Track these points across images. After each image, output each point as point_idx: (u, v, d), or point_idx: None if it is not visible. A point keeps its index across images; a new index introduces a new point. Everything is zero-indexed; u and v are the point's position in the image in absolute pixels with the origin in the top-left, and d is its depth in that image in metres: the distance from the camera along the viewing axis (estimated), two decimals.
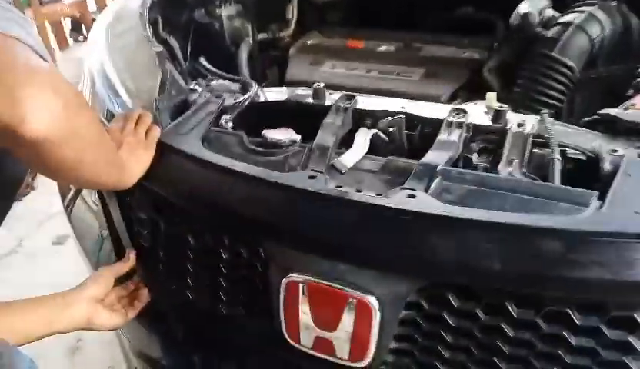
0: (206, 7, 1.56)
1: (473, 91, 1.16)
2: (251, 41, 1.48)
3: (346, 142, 0.93)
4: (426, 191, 0.75)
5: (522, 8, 1.04)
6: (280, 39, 1.57)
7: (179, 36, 1.49)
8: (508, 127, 0.84)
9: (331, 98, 1.00)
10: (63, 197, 1.32)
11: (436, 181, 0.76)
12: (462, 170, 0.78)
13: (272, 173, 0.82)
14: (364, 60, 1.30)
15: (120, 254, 1.03)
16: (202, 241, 0.87)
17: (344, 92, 0.99)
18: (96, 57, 1.24)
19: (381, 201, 0.73)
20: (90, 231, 1.22)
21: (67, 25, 5.48)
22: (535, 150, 0.81)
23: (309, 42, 1.47)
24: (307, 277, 0.74)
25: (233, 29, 1.53)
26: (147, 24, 1.27)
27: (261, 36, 1.55)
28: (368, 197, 0.74)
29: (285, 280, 0.75)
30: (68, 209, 1.32)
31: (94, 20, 4.81)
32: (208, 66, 1.21)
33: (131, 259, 0.94)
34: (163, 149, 0.92)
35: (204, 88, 1.13)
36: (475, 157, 0.84)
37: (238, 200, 0.83)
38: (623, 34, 1.08)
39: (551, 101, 1.01)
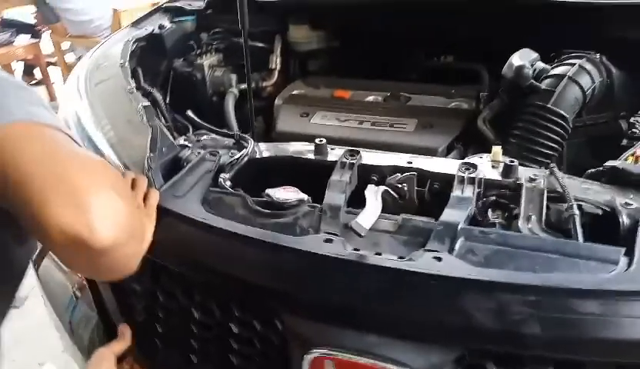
0: (185, 56, 1.53)
1: (467, 141, 1.17)
2: (236, 92, 1.45)
3: (352, 200, 0.90)
4: (450, 252, 0.73)
5: (516, 61, 1.06)
6: (263, 89, 1.55)
7: (158, 87, 1.45)
8: (520, 182, 0.84)
9: (334, 153, 0.98)
10: None
11: (459, 241, 0.74)
12: (485, 229, 0.76)
13: (285, 237, 0.77)
14: (353, 111, 1.29)
15: (110, 330, 0.94)
16: (209, 314, 0.80)
17: (347, 148, 0.97)
18: (73, 106, 1.17)
19: (408, 266, 0.70)
20: (61, 291, 1.12)
21: (19, 69, 5.28)
22: (551, 205, 0.80)
23: (295, 92, 1.45)
24: (334, 352, 0.69)
25: (215, 79, 1.50)
26: (129, 76, 1.21)
27: (243, 86, 1.52)
28: (394, 261, 0.71)
29: (308, 356, 0.70)
30: (35, 265, 1.20)
31: (48, 63, 4.67)
32: (197, 120, 1.16)
33: (127, 337, 0.85)
34: (160, 213, 0.86)
35: (194, 143, 1.08)
36: (489, 215, 0.83)
37: (249, 267, 0.78)
38: (607, 85, 1.12)
39: (548, 152, 1.02)
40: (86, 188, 0.49)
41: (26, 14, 4.92)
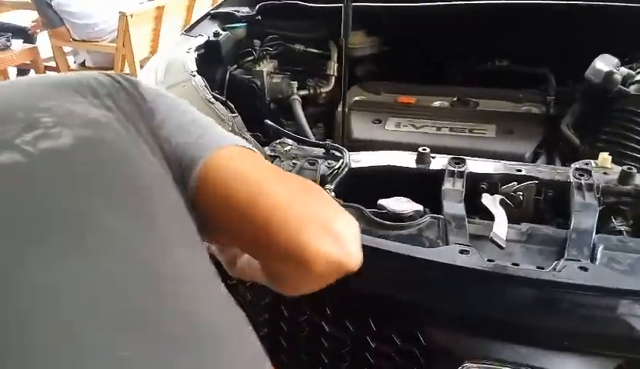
0: (240, 64, 1.51)
1: (548, 147, 1.18)
2: (299, 98, 1.43)
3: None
4: (592, 261, 0.73)
5: (602, 67, 1.08)
6: (320, 95, 1.54)
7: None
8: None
9: (435, 162, 0.97)
10: None
11: (600, 250, 0.75)
12: (622, 237, 0.76)
13: (421, 249, 0.77)
14: (424, 117, 1.29)
15: None
16: (342, 328, 0.79)
17: (450, 156, 0.97)
18: None
19: (557, 276, 0.70)
20: None
21: (12, 73, 5.15)
22: None
23: (357, 98, 1.45)
24: (489, 365, 0.69)
25: (274, 86, 1.48)
26: (205, 85, 1.19)
27: (302, 93, 1.51)
28: (540, 272, 0.71)
29: None
30: None
31: (47, 67, 4.56)
32: (283, 130, 1.14)
33: None
34: None
35: (283, 154, 1.06)
36: (615, 222, 0.84)
37: (385, 281, 0.77)
38: None
39: (638, 155, 1.04)
40: (331, 215, 0.48)
41: (20, 18, 4.81)
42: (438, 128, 1.23)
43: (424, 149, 0.97)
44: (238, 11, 1.63)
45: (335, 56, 1.55)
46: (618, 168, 0.90)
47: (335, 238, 0.47)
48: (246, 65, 1.50)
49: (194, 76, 1.22)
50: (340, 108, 1.41)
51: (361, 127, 1.28)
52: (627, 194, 0.85)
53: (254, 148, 0.53)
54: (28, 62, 4.87)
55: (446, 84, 1.51)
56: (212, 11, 1.63)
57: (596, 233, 0.81)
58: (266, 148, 1.09)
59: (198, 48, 1.40)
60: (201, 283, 0.40)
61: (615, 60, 1.12)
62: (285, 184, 0.49)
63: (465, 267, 0.73)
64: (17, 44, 4.20)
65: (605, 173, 0.90)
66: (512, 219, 0.89)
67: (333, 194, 0.95)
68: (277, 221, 0.46)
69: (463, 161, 0.94)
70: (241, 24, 1.57)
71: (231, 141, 0.50)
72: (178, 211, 0.42)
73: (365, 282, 0.77)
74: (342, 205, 0.89)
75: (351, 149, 1.28)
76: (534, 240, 0.80)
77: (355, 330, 0.79)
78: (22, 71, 5.28)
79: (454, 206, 0.85)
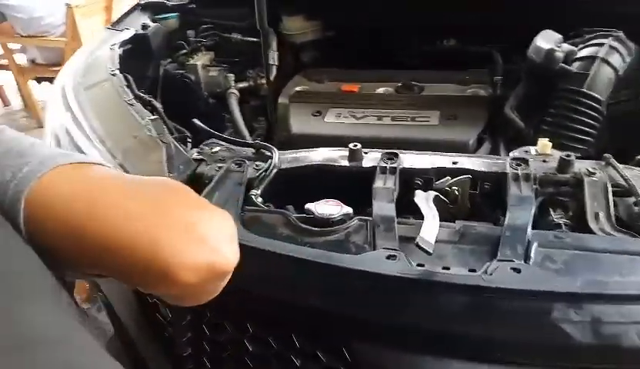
0: (173, 57, 1.41)
1: (492, 132, 1.13)
2: (237, 92, 1.35)
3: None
4: (527, 261, 0.68)
5: (543, 44, 1.02)
6: (260, 87, 1.46)
7: (147, 92, 1.33)
8: (579, 177, 0.80)
9: (369, 157, 0.91)
10: None
11: (534, 248, 0.69)
12: (558, 233, 0.71)
13: (344, 256, 0.70)
14: (367, 105, 1.22)
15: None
16: (265, 345, 0.73)
17: (383, 150, 0.90)
18: (62, 119, 1.05)
19: (488, 281, 0.64)
20: None
21: None
22: (617, 200, 0.76)
23: (298, 89, 1.37)
24: None
25: (210, 79, 1.40)
26: (125, 86, 1.10)
27: (240, 85, 1.42)
28: (469, 277, 0.66)
29: None
30: None
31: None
32: (209, 129, 1.06)
33: None
34: None
35: (209, 156, 0.98)
36: (553, 215, 0.79)
37: (308, 293, 0.71)
38: (629, 63, 1.09)
39: (584, 137, 0.99)
40: (195, 218, 0.42)
41: None
42: (380, 118, 1.17)
43: (355, 145, 0.90)
44: (170, 1, 1.53)
45: (274, 44, 1.46)
46: (559, 154, 0.85)
47: (200, 242, 0.41)
48: (180, 59, 1.41)
49: (114, 75, 1.13)
50: (281, 100, 1.35)
51: (300, 121, 1.21)
52: (565, 184, 0.80)
53: (92, 161, 0.44)
54: None
55: (395, 69, 1.44)
56: (142, 2, 1.52)
57: (535, 228, 0.76)
58: (193, 151, 1.01)
59: (124, 43, 1.30)
60: None
61: (557, 36, 1.06)
62: (133, 193, 0.42)
63: (389, 274, 0.67)
64: None
65: (545, 161, 0.85)
66: (449, 216, 0.84)
67: (260, 199, 0.88)
68: (123, 241, 0.39)
69: (396, 156, 0.88)
70: (172, 14, 1.47)
71: (54, 163, 0.41)
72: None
73: (286, 295, 0.72)
74: (265, 211, 0.83)
75: (291, 145, 1.22)
76: (467, 239, 0.74)
77: (279, 348, 0.73)
78: None
79: (383, 206, 0.79)
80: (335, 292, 0.70)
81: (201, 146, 1.04)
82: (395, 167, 0.86)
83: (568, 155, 0.81)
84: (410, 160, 0.88)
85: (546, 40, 1.04)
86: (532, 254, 0.69)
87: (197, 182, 0.92)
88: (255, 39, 1.49)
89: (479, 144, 1.08)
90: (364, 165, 0.89)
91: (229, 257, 0.44)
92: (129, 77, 1.23)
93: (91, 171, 0.43)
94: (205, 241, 0.42)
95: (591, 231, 0.72)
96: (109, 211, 0.40)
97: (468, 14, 1.33)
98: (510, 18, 1.28)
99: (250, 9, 1.48)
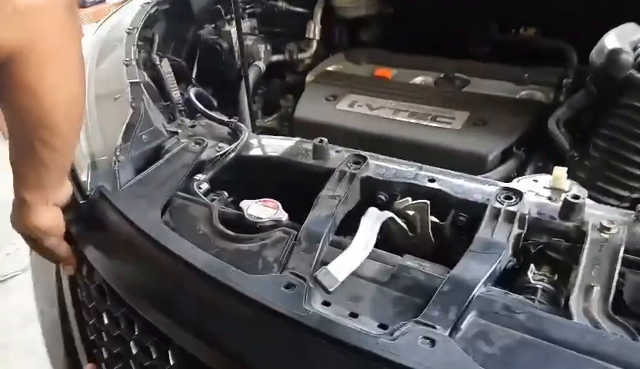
0: (215, 22, 1.35)
1: (533, 147, 0.88)
2: (263, 65, 1.25)
3: (351, 220, 0.68)
4: (452, 332, 0.49)
5: (609, 43, 0.75)
6: (299, 62, 1.34)
7: (184, 57, 1.29)
8: (585, 229, 0.56)
9: (337, 157, 0.75)
10: None
11: (470, 316, 0.50)
12: (512, 303, 0.51)
13: (237, 273, 0.58)
14: (393, 95, 1.04)
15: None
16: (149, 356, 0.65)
17: (352, 151, 0.74)
18: None
19: (384, 347, 0.48)
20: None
21: None
22: (630, 274, 0.52)
23: (330, 68, 1.23)
24: None
25: (245, 48, 1.31)
26: (134, 46, 1.06)
27: (275, 58, 1.32)
28: (366, 336, 0.50)
29: None
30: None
31: None
32: (194, 101, 0.99)
33: None
34: (115, 217, 0.71)
35: (184, 130, 0.91)
36: (531, 274, 0.57)
37: (180, 305, 0.61)
38: None
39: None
40: None
41: None
42: (396, 112, 0.98)
43: (320, 140, 0.75)
44: None
45: (318, 17, 1.32)
46: (581, 192, 0.62)
47: None
48: (220, 25, 1.34)
49: (128, 33, 1.10)
50: (307, 78, 1.22)
51: (307, 105, 1.07)
52: (563, 235, 0.58)
53: None
54: None
55: (455, 57, 1.22)
56: None
57: (502, 285, 0.56)
58: (172, 124, 0.94)
59: (160, 3, 1.26)
60: None
61: (638, 34, 0.78)
62: None
63: (269, 308, 0.53)
64: None
65: (551, 198, 0.62)
66: (406, 247, 0.66)
67: (205, 185, 0.79)
68: None
69: (364, 160, 0.71)
70: None
71: None
72: None
73: (157, 298, 0.62)
74: (193, 201, 0.73)
75: (291, 129, 1.10)
76: (397, 284, 0.57)
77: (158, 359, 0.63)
78: None
79: (318, 219, 0.64)
80: (206, 313, 0.59)
81: (181, 119, 0.97)
82: (355, 174, 0.69)
83: (577, 196, 0.58)
84: (380, 167, 0.71)
85: (619, 37, 0.76)
86: (464, 325, 0.50)
87: (156, 155, 0.85)
88: (301, 9, 1.38)
89: (504, 161, 0.85)
90: (326, 165, 0.74)
91: None
92: (155, 37, 1.20)
93: None
94: None
95: (567, 311, 0.50)
96: None
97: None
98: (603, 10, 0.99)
99: None
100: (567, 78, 0.98)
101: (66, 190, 0.71)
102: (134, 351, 0.67)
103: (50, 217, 0.69)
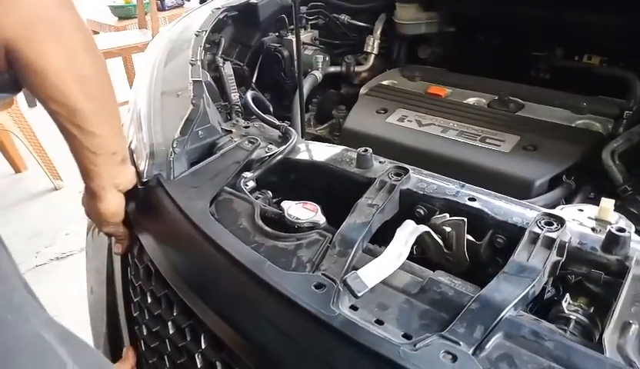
0: (279, 31, 1.40)
1: (583, 178, 0.86)
2: (320, 75, 1.28)
3: (388, 230, 0.69)
4: (476, 351, 0.49)
5: None
6: (355, 74, 1.36)
7: (247, 62, 1.35)
8: (628, 264, 0.55)
9: (380, 167, 0.77)
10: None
11: (496, 337, 0.50)
12: (541, 330, 0.50)
13: (270, 268, 0.61)
14: (443, 113, 1.04)
15: (116, 348, 0.88)
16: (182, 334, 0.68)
17: (395, 163, 0.75)
18: (139, 80, 1.13)
19: (405, 356, 0.48)
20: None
21: None
22: None
23: (384, 82, 1.24)
24: None
25: (303, 58, 1.35)
26: (201, 48, 1.13)
27: (332, 69, 1.35)
28: (388, 345, 0.50)
29: None
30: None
31: None
32: (251, 104, 1.03)
33: (130, 362, 0.77)
34: (167, 204, 0.76)
35: (238, 130, 0.95)
36: (565, 303, 0.56)
37: (221, 294, 0.63)
38: None
39: None
40: None
41: None
42: (445, 130, 0.98)
43: (365, 150, 0.77)
44: None
45: (378, 32, 1.34)
46: (628, 225, 0.60)
47: None
48: (283, 33, 1.39)
49: (197, 35, 1.17)
50: (361, 91, 1.24)
51: (357, 116, 1.09)
52: (604, 268, 0.56)
53: None
54: None
55: (513, 80, 1.20)
56: None
57: (535, 312, 0.55)
58: (228, 123, 0.99)
59: (230, 9, 1.33)
60: None
61: None
62: None
63: (298, 305, 0.55)
64: None
65: (595, 229, 0.60)
66: (441, 262, 0.66)
67: (252, 183, 0.82)
68: None
69: (406, 172, 0.72)
70: None
71: None
72: None
73: (207, 292, 0.65)
74: (239, 197, 0.76)
75: (341, 139, 1.12)
76: (426, 297, 0.57)
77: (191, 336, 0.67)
78: None
79: (354, 226, 0.65)
80: (240, 306, 0.61)
81: (237, 119, 1.02)
82: (395, 185, 0.70)
83: (623, 229, 0.56)
84: (420, 182, 0.72)
85: None
86: (489, 346, 0.50)
87: (210, 151, 0.90)
88: (362, 23, 1.40)
89: (552, 188, 0.83)
90: (368, 174, 0.76)
91: None
92: (222, 40, 1.27)
93: None
94: None
95: (600, 346, 0.49)
96: None
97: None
98: None
99: None
100: (629, 110, 0.95)
101: (129, 176, 0.77)
102: (170, 331, 0.71)
103: (112, 205, 0.74)
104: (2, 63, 0.59)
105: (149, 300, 0.76)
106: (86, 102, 0.64)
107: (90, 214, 0.78)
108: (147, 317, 0.77)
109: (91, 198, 0.74)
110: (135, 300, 0.81)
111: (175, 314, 0.70)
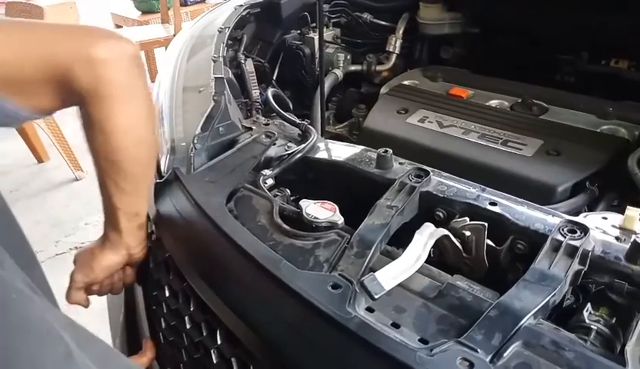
0: (301, 29, 1.40)
1: (609, 185, 0.84)
2: (341, 74, 1.28)
3: (406, 232, 0.68)
4: (493, 359, 0.48)
5: None
6: (376, 74, 1.36)
7: (268, 59, 1.35)
8: None
9: (400, 168, 0.76)
10: None
11: (515, 345, 0.49)
12: (561, 340, 0.49)
13: (286, 267, 0.61)
14: (465, 115, 1.03)
15: (134, 339, 0.89)
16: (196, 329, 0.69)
17: (415, 165, 0.74)
18: (161, 75, 1.14)
19: (420, 362, 0.48)
20: None
21: None
22: None
23: (406, 82, 1.23)
24: None
25: (325, 56, 1.35)
26: (223, 44, 1.13)
27: (353, 68, 1.35)
28: (405, 346, 0.50)
29: None
30: None
31: None
32: (271, 101, 1.03)
33: (148, 354, 0.78)
34: (184, 198, 0.77)
35: (258, 127, 0.95)
36: (586, 313, 0.55)
37: (237, 290, 0.64)
38: None
39: None
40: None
41: None
42: (466, 132, 0.97)
43: (385, 151, 0.76)
44: None
45: (400, 31, 1.33)
46: None
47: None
48: (305, 31, 1.39)
49: (220, 31, 1.17)
50: (382, 90, 1.23)
51: (377, 116, 1.09)
52: (627, 278, 0.55)
53: None
54: None
55: (537, 83, 1.18)
56: None
57: (554, 320, 0.54)
58: (249, 120, 1.00)
59: (253, 6, 1.33)
60: None
61: None
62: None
63: (314, 304, 0.55)
64: None
65: (619, 238, 0.59)
66: (459, 266, 0.66)
67: (270, 181, 0.82)
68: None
69: (427, 175, 0.72)
70: None
71: None
72: None
73: (221, 288, 0.66)
74: (257, 193, 0.76)
75: (360, 138, 1.12)
76: (444, 301, 0.57)
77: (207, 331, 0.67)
78: None
79: (372, 227, 0.65)
80: (261, 304, 0.61)
81: (257, 116, 1.02)
82: (415, 187, 0.70)
83: None
84: (440, 184, 0.71)
85: None
86: (507, 354, 0.49)
87: (230, 147, 0.90)
88: (385, 23, 1.40)
89: (575, 194, 0.81)
90: (387, 175, 0.75)
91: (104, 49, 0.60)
92: (244, 37, 1.27)
93: None
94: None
95: (622, 357, 0.48)
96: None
97: None
98: None
99: None
100: None
101: (141, 248, 0.75)
102: (187, 326, 0.72)
103: (108, 263, 0.72)
104: (59, 104, 0.62)
105: (167, 293, 0.77)
106: (133, 164, 0.66)
107: (83, 261, 0.73)
108: (165, 311, 0.78)
109: (97, 250, 0.73)
110: (154, 293, 0.82)
111: (191, 309, 0.71)
